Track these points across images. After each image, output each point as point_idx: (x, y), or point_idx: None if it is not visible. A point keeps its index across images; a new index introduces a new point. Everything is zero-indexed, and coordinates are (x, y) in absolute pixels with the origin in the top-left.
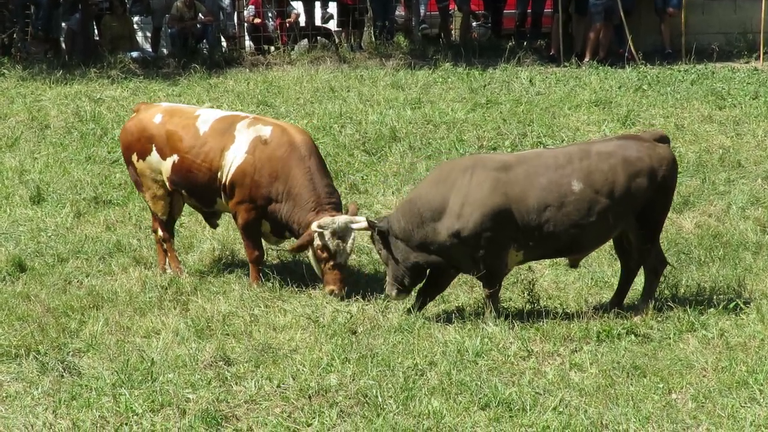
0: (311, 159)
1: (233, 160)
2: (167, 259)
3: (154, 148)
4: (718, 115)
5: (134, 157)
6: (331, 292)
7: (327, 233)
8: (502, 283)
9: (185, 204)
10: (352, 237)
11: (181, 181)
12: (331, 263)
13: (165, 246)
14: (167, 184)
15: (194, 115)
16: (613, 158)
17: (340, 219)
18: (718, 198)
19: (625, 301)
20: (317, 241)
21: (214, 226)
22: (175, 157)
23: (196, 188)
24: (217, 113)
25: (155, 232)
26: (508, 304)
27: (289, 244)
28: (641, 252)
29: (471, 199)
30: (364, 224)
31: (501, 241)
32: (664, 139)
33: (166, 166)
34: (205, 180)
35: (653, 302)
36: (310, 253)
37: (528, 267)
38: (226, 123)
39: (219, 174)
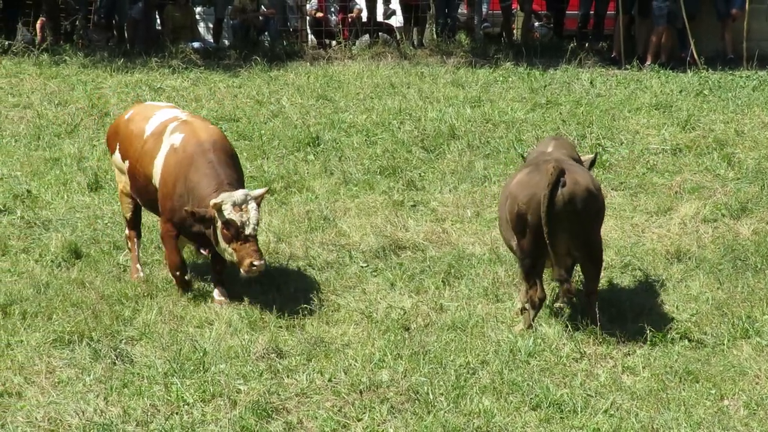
0: (214, 153)
1: (159, 168)
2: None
3: (118, 147)
4: None
5: (110, 150)
6: (251, 266)
7: (227, 206)
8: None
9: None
10: (254, 207)
11: (132, 186)
12: (240, 238)
13: (129, 244)
14: (128, 186)
15: (151, 115)
16: (520, 172)
17: (237, 192)
18: None
19: (677, 307)
20: (218, 220)
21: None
22: (127, 162)
23: (141, 195)
24: (163, 116)
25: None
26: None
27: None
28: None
29: None
30: (264, 190)
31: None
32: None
33: (126, 168)
34: (145, 187)
35: (528, 325)
36: (219, 246)
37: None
38: (163, 127)
39: (153, 182)
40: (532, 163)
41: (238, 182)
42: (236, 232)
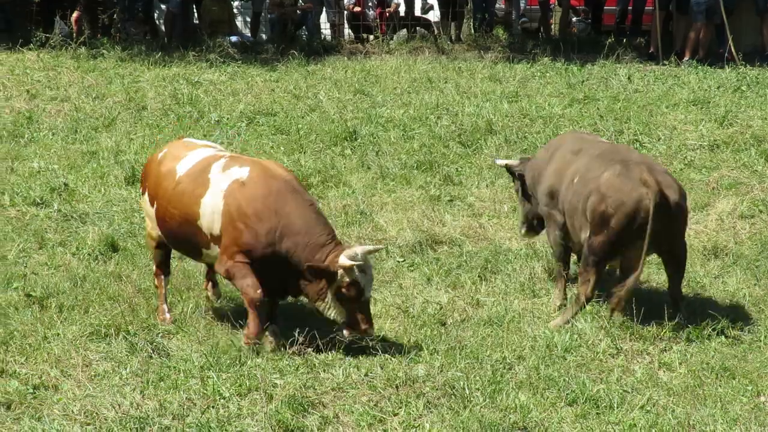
0: (307, 194)
1: (213, 208)
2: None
3: (147, 189)
4: None
5: (141, 189)
6: (366, 332)
7: (357, 267)
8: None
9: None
10: (371, 267)
11: (163, 230)
12: (360, 300)
13: (156, 282)
14: (158, 231)
15: (183, 155)
16: (601, 171)
17: (359, 250)
18: None
19: (714, 303)
20: (345, 278)
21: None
22: (156, 204)
23: (176, 238)
24: (199, 155)
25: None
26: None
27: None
28: (578, 267)
29: (546, 173)
30: (379, 247)
31: (555, 218)
32: (648, 185)
33: (153, 212)
34: (181, 229)
35: (567, 321)
36: (325, 302)
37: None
38: (202, 165)
39: (198, 222)
40: (617, 161)
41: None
42: (357, 295)
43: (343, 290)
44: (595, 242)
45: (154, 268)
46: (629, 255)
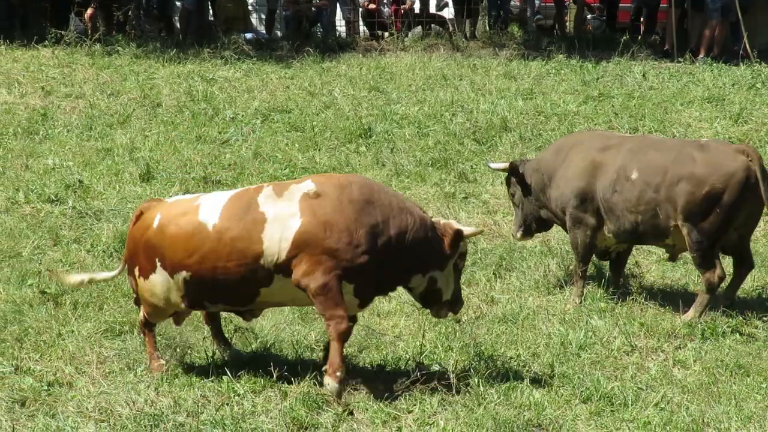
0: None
1: (282, 234)
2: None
3: (158, 265)
4: None
5: (136, 272)
6: (461, 306)
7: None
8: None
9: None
10: None
11: (204, 293)
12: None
13: (144, 333)
14: (183, 303)
15: (196, 203)
16: (674, 156)
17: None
18: None
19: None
20: (462, 248)
21: (249, 319)
22: (184, 273)
23: (226, 293)
24: (223, 196)
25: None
26: (613, 298)
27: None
28: (693, 259)
29: (568, 174)
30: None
31: (585, 219)
32: (747, 153)
33: (177, 283)
34: (240, 277)
35: (700, 313)
36: (444, 274)
37: (635, 262)
38: (242, 204)
39: (262, 260)
40: (688, 145)
41: None
42: (462, 266)
43: (460, 263)
44: (707, 224)
45: (141, 318)
46: (736, 229)
